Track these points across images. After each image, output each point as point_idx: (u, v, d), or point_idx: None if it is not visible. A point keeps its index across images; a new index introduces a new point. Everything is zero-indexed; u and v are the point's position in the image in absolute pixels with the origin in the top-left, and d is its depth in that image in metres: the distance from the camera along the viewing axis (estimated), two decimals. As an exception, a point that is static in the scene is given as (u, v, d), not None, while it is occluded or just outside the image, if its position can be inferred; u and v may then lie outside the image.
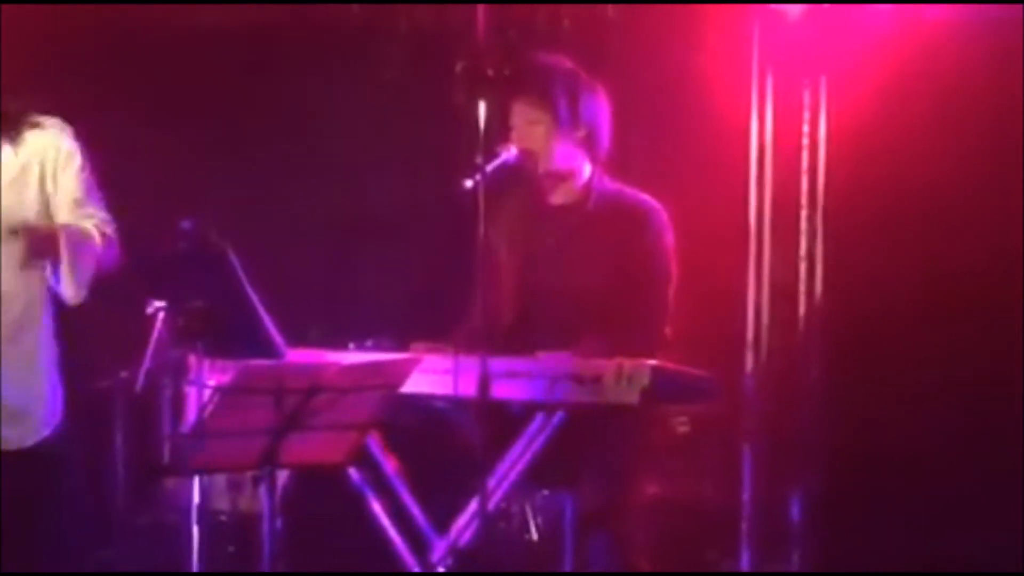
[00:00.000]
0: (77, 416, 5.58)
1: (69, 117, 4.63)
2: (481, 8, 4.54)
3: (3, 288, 4.48)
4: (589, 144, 4.97)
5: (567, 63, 4.98)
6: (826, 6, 5.95)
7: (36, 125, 4.52)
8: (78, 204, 4.52)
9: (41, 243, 4.44)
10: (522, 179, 4.98)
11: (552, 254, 4.97)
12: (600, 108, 4.98)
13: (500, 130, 4.89)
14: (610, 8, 6.09)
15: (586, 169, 4.99)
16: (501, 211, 4.99)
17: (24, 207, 4.47)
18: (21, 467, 4.49)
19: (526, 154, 4.90)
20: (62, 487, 4.57)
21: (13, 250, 4.46)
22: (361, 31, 6.31)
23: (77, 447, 4.65)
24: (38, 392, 4.57)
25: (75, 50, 6.25)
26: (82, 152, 4.57)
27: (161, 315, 4.80)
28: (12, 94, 4.50)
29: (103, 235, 4.53)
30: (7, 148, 4.49)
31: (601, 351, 4.70)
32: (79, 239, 4.47)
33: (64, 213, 4.50)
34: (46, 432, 4.56)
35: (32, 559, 4.48)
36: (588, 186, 4.98)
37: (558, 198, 5.01)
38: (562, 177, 4.98)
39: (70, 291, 4.47)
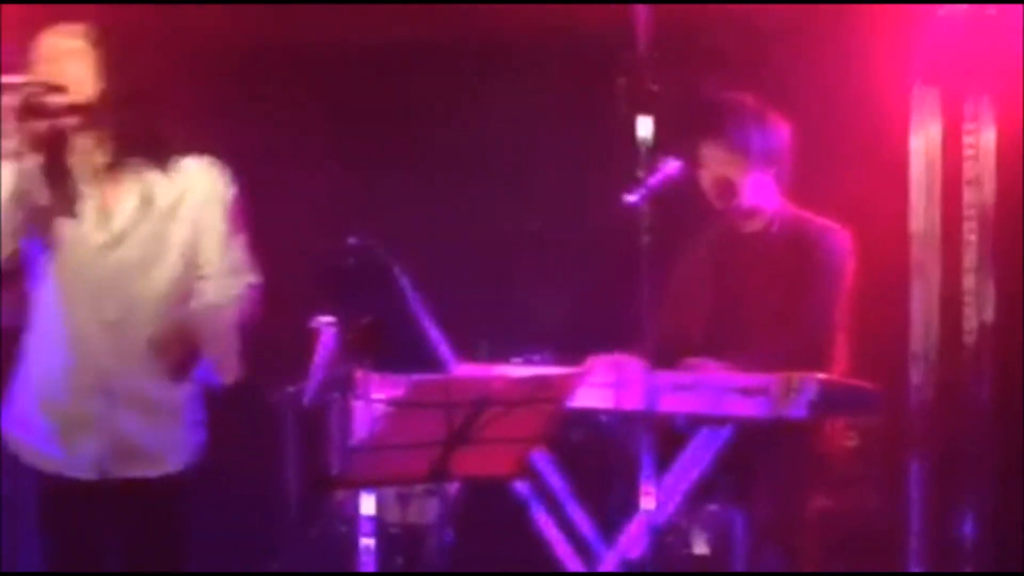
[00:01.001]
0: (248, 430, 5.70)
1: (235, 131, 4.55)
2: (641, 19, 4.52)
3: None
4: (778, 177, 5.12)
5: (752, 100, 5.11)
6: (990, 10, 5.85)
7: (190, 157, 4.30)
8: (224, 246, 4.30)
9: (177, 357, 4.23)
10: (716, 210, 5.14)
11: (741, 279, 5.09)
12: (786, 141, 5.12)
13: (662, 144, 4.90)
14: (771, 19, 6.06)
15: (774, 198, 5.13)
16: (699, 239, 5.22)
17: (168, 240, 4.27)
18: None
19: (720, 188, 5.06)
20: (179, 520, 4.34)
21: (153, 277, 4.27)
22: (523, 47, 6.34)
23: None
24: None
25: (249, 64, 6.36)
26: (235, 190, 4.36)
27: (328, 330, 4.88)
28: (175, 123, 4.31)
29: (240, 296, 4.31)
30: (160, 176, 4.28)
31: (756, 363, 4.72)
32: (216, 328, 4.24)
33: (209, 252, 4.29)
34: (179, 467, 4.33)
35: None
36: (775, 214, 5.12)
37: (749, 227, 5.15)
38: (754, 210, 5.11)
39: (223, 377, 4.28)
